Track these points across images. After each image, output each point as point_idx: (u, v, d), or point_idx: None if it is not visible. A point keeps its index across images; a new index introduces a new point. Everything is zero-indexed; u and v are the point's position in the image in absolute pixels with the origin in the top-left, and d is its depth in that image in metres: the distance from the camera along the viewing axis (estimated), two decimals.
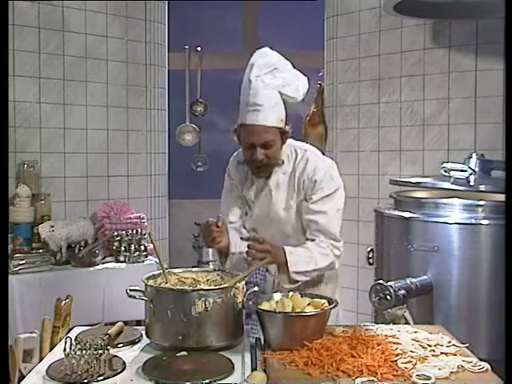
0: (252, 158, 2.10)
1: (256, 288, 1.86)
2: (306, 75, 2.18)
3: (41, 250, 3.45)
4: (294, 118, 4.48)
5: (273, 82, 2.05)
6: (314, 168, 2.14)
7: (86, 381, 1.48)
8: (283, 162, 2.17)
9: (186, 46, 5.02)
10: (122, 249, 3.65)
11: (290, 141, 2.20)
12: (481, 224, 2.48)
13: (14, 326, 2.91)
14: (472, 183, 2.60)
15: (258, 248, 1.96)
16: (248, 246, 1.96)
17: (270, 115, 2.04)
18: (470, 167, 2.69)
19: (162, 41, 4.37)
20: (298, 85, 2.10)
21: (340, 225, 2.20)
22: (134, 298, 1.76)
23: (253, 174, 2.19)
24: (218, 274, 1.97)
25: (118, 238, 3.67)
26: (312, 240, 2.13)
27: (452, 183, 2.65)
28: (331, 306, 1.74)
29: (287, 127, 2.12)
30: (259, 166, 2.12)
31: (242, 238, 2.10)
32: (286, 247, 2.07)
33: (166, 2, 4.42)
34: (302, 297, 1.80)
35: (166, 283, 1.87)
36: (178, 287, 1.83)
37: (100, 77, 4.01)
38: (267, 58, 2.09)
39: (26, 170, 3.65)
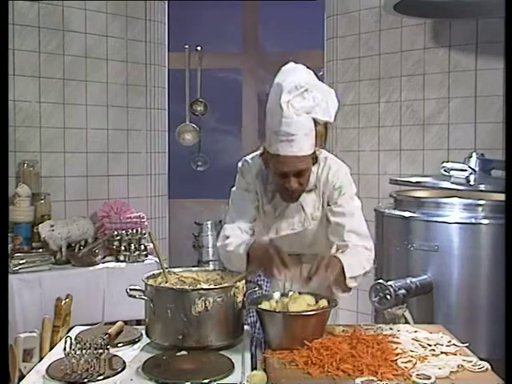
0: (285, 186, 1.98)
1: (256, 288, 1.85)
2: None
3: (41, 250, 3.44)
4: None
5: (303, 104, 1.90)
6: (337, 176, 2.08)
7: (85, 380, 1.48)
8: (316, 186, 2.08)
9: (186, 46, 5.02)
10: (122, 248, 3.64)
11: None
12: (481, 223, 2.48)
13: (14, 325, 2.90)
14: (472, 183, 2.60)
15: (320, 266, 1.81)
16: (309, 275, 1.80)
17: (305, 145, 1.91)
18: (470, 167, 2.69)
19: (162, 40, 4.37)
20: (327, 104, 1.97)
21: (364, 223, 2.10)
22: (134, 297, 1.76)
23: (284, 200, 2.07)
24: (218, 274, 1.97)
25: (118, 238, 3.67)
26: (345, 243, 2.02)
27: (452, 183, 2.65)
28: (331, 305, 1.74)
29: (316, 148, 2.00)
30: (292, 194, 2.02)
31: None
32: (338, 254, 1.96)
33: (166, 1, 4.42)
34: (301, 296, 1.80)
35: (166, 283, 1.87)
36: (178, 287, 1.83)
37: (100, 76, 4.01)
38: (296, 77, 1.96)
39: (25, 170, 3.65)
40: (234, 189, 2.18)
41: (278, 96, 1.89)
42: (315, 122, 1.94)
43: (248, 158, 2.16)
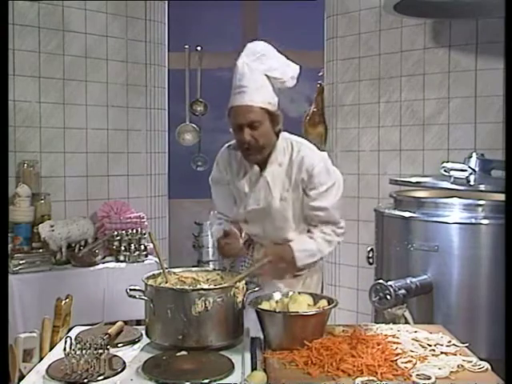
0: (240, 139, 2.13)
1: (257, 288, 1.85)
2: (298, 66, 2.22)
3: (41, 250, 3.44)
4: (294, 117, 4.49)
5: (259, 66, 2.11)
6: (312, 163, 2.16)
7: (85, 380, 1.49)
8: (288, 166, 2.18)
9: (186, 46, 5.02)
10: (122, 248, 3.64)
11: (285, 134, 2.24)
12: (481, 224, 2.48)
13: (14, 325, 2.90)
14: (472, 183, 2.60)
15: (270, 269, 2.07)
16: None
17: (256, 96, 2.09)
18: (469, 167, 2.69)
19: (162, 40, 4.37)
20: (285, 69, 2.16)
21: (341, 209, 2.26)
22: (134, 297, 1.76)
23: (244, 157, 2.20)
24: (218, 274, 1.97)
25: (118, 238, 3.67)
26: (315, 226, 2.21)
27: (452, 183, 2.65)
28: (331, 305, 1.74)
29: (278, 111, 2.16)
30: (247, 148, 2.14)
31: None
32: (292, 244, 2.17)
33: (166, 1, 4.42)
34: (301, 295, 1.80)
35: (166, 283, 1.87)
36: (178, 287, 1.83)
37: (100, 76, 4.01)
38: (255, 46, 2.17)
39: (25, 170, 3.65)
40: (210, 181, 2.37)
41: (239, 59, 2.12)
42: (270, 79, 2.12)
43: (226, 144, 2.36)
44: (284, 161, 2.18)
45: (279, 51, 2.20)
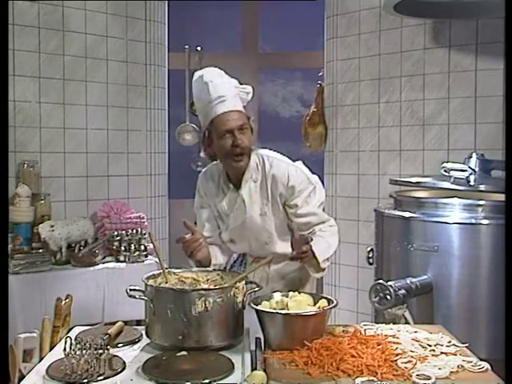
0: (234, 143, 2.13)
1: (257, 288, 1.85)
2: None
3: (41, 250, 3.44)
4: (298, 117, 4.49)
5: (224, 81, 2.20)
6: (286, 176, 2.18)
7: (85, 380, 1.49)
8: (262, 181, 2.20)
9: (186, 46, 5.01)
10: (122, 248, 3.64)
11: (257, 150, 2.26)
12: (481, 224, 2.49)
13: (14, 326, 2.90)
14: (472, 183, 2.60)
15: (302, 251, 1.99)
16: (293, 248, 2.00)
17: (236, 103, 2.17)
18: (470, 167, 2.69)
19: (162, 40, 4.37)
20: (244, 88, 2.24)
21: (322, 207, 2.29)
22: (134, 297, 1.76)
23: (233, 164, 2.19)
24: (218, 274, 1.97)
25: (118, 238, 3.67)
26: (311, 232, 2.19)
27: (452, 183, 2.65)
28: (331, 305, 1.74)
29: (251, 120, 2.22)
30: (241, 153, 2.15)
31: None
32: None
33: (166, 1, 4.42)
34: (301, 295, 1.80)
35: (166, 283, 1.87)
36: (178, 287, 1.83)
37: (100, 76, 4.01)
38: (211, 69, 2.25)
39: (25, 170, 3.65)
40: (195, 209, 2.41)
41: (201, 83, 2.18)
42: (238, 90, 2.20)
43: (203, 169, 2.42)
44: (258, 176, 2.21)
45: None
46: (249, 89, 2.25)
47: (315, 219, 2.20)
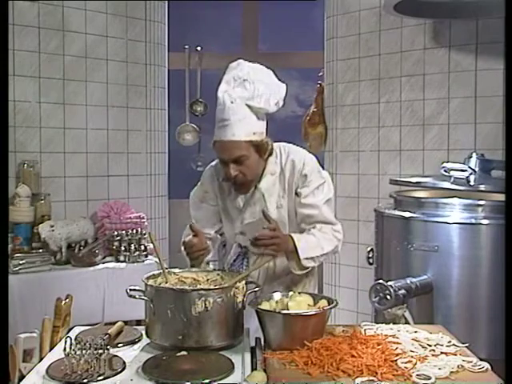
0: (226, 175, 2.09)
1: (257, 288, 1.85)
2: (282, 82, 2.14)
3: (41, 250, 3.44)
4: (294, 117, 4.49)
5: (240, 94, 2.01)
6: (303, 163, 2.14)
7: (85, 380, 1.48)
8: (281, 174, 2.15)
9: (186, 46, 5.01)
10: (122, 248, 3.64)
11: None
12: (481, 224, 2.48)
13: (14, 326, 2.90)
14: (472, 183, 2.60)
15: (267, 235, 1.96)
16: (256, 237, 1.95)
17: (238, 129, 2.00)
18: (470, 167, 2.69)
19: (161, 40, 4.37)
20: (270, 95, 2.04)
21: (332, 211, 2.22)
22: (134, 297, 1.76)
23: (234, 189, 2.16)
24: (218, 274, 1.97)
25: (118, 238, 3.67)
26: (312, 227, 2.15)
27: (452, 183, 2.65)
28: (331, 305, 1.74)
29: (265, 139, 2.09)
30: (236, 183, 2.10)
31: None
32: (293, 234, 2.08)
33: (166, 1, 4.42)
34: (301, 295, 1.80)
35: (166, 283, 1.87)
36: (178, 287, 1.83)
37: (100, 76, 4.01)
38: (236, 70, 2.05)
39: (25, 170, 3.65)
40: (191, 194, 2.31)
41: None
42: (252, 109, 2.02)
43: (212, 163, 2.30)
44: (276, 169, 2.16)
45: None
46: (270, 104, 2.04)
47: (318, 214, 2.14)
